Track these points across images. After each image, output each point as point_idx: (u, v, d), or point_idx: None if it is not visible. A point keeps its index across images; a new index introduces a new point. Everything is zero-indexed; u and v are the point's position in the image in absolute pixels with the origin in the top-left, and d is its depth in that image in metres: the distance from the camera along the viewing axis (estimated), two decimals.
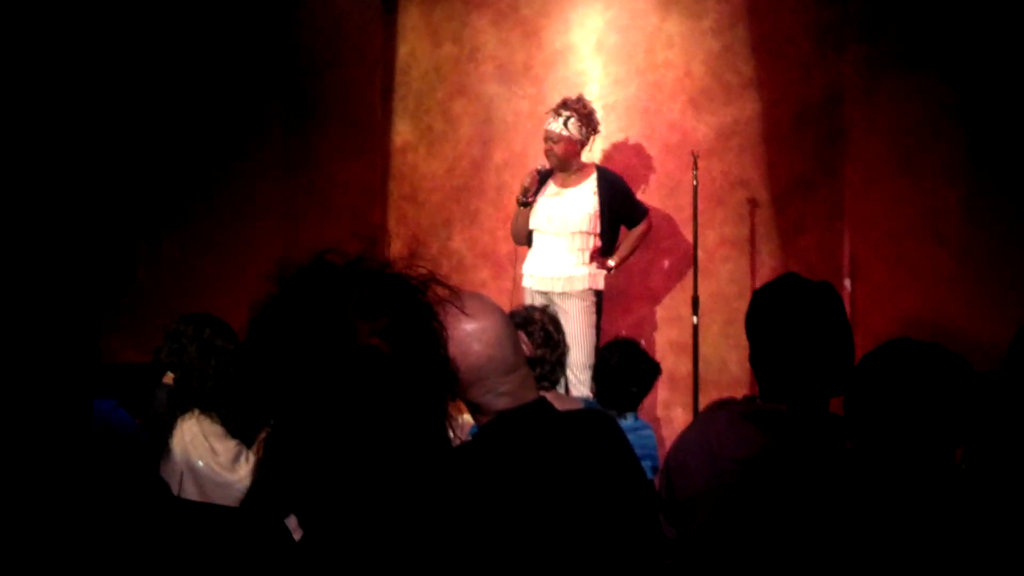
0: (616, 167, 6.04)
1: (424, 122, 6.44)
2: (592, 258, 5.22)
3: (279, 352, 1.14)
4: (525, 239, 5.37)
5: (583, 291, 5.17)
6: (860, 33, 5.59)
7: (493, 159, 6.19)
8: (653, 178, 6.00)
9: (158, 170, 5.68)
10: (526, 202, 5.26)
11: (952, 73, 5.22)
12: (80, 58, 5.29)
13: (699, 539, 1.70)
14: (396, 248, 1.25)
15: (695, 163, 5.45)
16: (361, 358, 1.12)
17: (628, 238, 5.37)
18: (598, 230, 5.23)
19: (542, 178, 5.28)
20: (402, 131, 6.48)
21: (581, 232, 5.21)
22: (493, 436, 1.79)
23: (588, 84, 6.13)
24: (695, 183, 5.45)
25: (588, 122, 5.25)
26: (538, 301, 4.96)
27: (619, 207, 5.30)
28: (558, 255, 5.22)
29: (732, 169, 5.91)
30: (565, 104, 5.24)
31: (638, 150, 6.05)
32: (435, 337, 1.19)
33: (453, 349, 1.58)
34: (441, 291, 1.21)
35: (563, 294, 5.16)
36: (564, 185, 5.29)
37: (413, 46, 6.48)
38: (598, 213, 5.23)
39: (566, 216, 5.22)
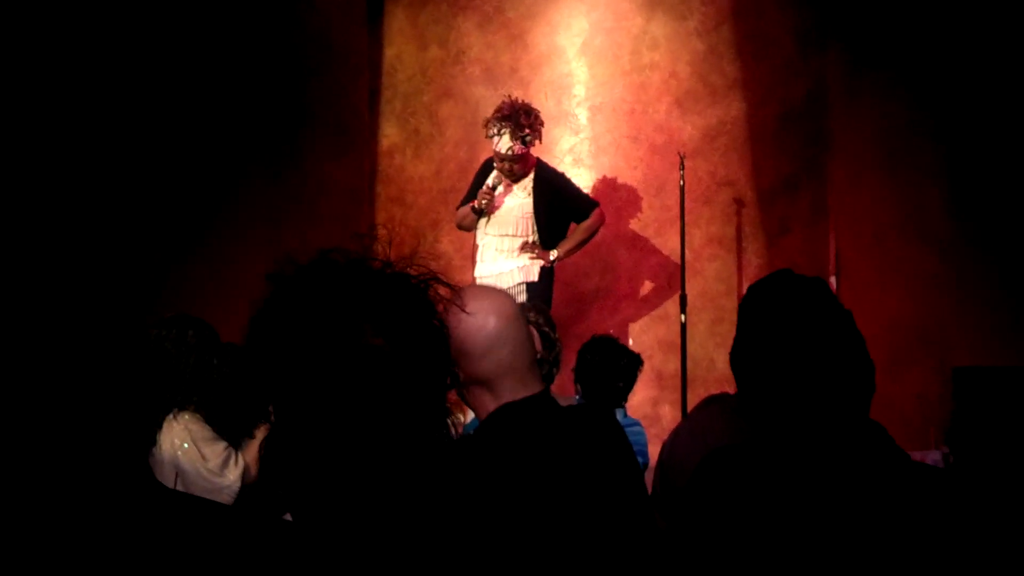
0: (603, 168, 6.08)
1: (411, 125, 6.45)
2: (524, 249, 5.26)
3: (283, 351, 1.14)
4: (468, 229, 5.49)
5: (513, 287, 5.20)
6: (842, 34, 5.63)
7: (480, 161, 6.20)
8: (640, 178, 6.04)
9: (141, 174, 5.66)
10: (483, 214, 5.31)
11: (933, 72, 5.26)
12: (65, 60, 5.27)
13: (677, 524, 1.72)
14: (392, 249, 1.26)
15: (682, 163, 5.49)
16: (365, 357, 1.13)
17: (575, 232, 5.40)
18: (531, 231, 5.28)
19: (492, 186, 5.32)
20: (389, 134, 6.50)
21: (509, 236, 5.28)
22: (499, 428, 1.78)
23: (574, 86, 6.17)
24: (682, 183, 5.48)
25: (540, 135, 5.29)
26: None
27: (559, 205, 5.33)
28: (493, 254, 5.31)
29: (718, 169, 5.94)
30: (518, 121, 5.19)
31: (625, 151, 6.08)
32: (437, 336, 1.20)
33: (470, 322, 1.68)
34: (442, 290, 1.22)
35: None
36: (506, 187, 5.34)
37: (399, 49, 6.50)
38: (532, 215, 5.28)
39: (500, 218, 5.29)
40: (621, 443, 1.87)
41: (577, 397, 3.87)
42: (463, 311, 1.68)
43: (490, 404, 1.82)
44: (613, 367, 3.85)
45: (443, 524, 1.18)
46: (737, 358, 1.66)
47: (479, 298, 1.79)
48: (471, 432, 1.87)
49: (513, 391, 1.80)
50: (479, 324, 1.76)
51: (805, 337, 1.58)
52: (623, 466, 1.84)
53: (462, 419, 1.91)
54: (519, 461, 1.68)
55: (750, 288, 1.72)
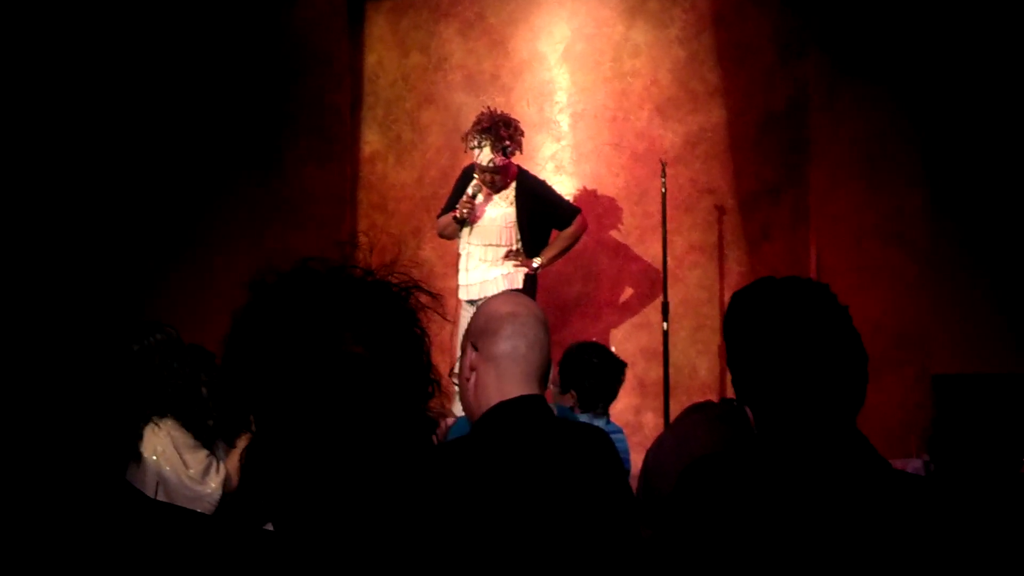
0: (584, 175, 6.08)
1: (393, 131, 6.44)
2: (508, 257, 5.26)
3: (264, 359, 1.14)
4: (451, 238, 5.47)
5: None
6: (823, 41, 5.67)
7: (461, 168, 6.21)
8: (622, 186, 6.04)
9: (124, 181, 5.63)
10: (464, 223, 5.30)
11: (913, 79, 5.30)
12: (53, 59, 5.24)
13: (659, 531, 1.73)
14: (374, 256, 1.25)
15: (663, 171, 5.50)
16: (345, 365, 1.13)
17: (558, 239, 5.38)
18: (515, 239, 5.28)
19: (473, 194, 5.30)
20: (371, 140, 6.48)
21: (493, 245, 5.27)
22: (495, 430, 1.80)
23: (556, 92, 6.17)
24: (663, 190, 5.49)
25: (520, 145, 5.26)
26: (469, 312, 4.98)
27: (541, 213, 5.32)
28: (477, 263, 5.30)
29: (699, 176, 5.96)
30: (498, 134, 5.14)
31: (606, 158, 6.09)
32: (418, 343, 1.19)
33: (505, 308, 1.89)
34: (424, 297, 1.22)
35: (481, 299, 5.19)
36: (487, 196, 5.32)
37: (381, 55, 6.49)
38: (514, 224, 5.27)
39: (483, 228, 5.28)
40: (612, 456, 1.88)
41: (572, 404, 3.88)
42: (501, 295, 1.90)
43: (493, 391, 1.86)
44: (609, 367, 3.94)
45: (427, 531, 1.17)
46: (740, 368, 1.64)
47: (520, 296, 2.01)
48: (460, 436, 1.87)
49: (517, 381, 1.85)
50: (512, 311, 1.89)
51: (811, 339, 1.58)
52: (613, 478, 1.84)
53: (443, 424, 1.91)
54: (512, 470, 1.69)
55: (735, 296, 1.71)
